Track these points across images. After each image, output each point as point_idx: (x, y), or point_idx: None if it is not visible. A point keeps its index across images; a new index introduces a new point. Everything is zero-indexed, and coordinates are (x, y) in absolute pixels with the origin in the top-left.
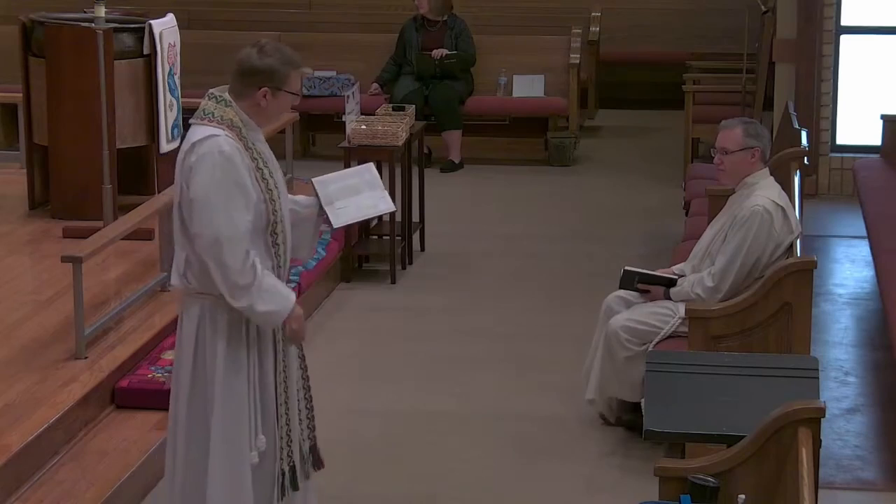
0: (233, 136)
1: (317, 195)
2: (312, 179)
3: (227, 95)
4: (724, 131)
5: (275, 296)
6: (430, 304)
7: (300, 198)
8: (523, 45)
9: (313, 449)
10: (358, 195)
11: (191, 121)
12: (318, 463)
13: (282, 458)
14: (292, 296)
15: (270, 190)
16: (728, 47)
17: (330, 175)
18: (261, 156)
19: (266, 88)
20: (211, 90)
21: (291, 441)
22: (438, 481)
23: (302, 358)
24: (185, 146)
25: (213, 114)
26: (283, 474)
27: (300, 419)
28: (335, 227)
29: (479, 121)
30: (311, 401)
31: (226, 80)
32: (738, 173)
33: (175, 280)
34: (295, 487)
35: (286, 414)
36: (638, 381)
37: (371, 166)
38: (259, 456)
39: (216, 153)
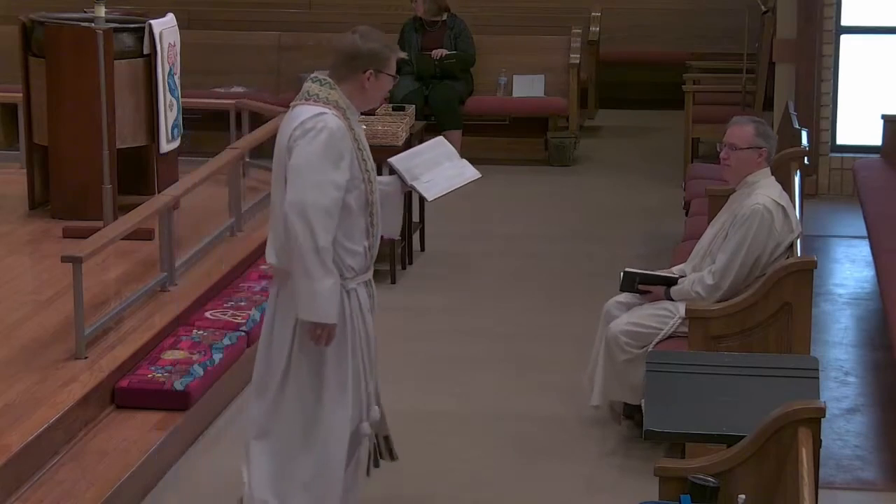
0: (339, 115)
1: (398, 174)
2: (388, 160)
3: (329, 79)
4: (735, 127)
5: (333, 296)
6: (430, 304)
7: (381, 178)
8: (523, 45)
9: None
10: (439, 167)
11: (293, 103)
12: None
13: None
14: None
15: (368, 171)
16: (728, 47)
17: (404, 153)
18: (358, 139)
19: (370, 71)
20: (314, 74)
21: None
22: (438, 481)
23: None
24: (293, 123)
25: (317, 95)
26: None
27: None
28: (430, 199)
29: (479, 121)
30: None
31: (226, 79)
32: (743, 171)
33: (272, 258)
34: (392, 456)
35: (376, 388)
36: (639, 383)
37: (442, 139)
38: (368, 427)
39: (323, 128)
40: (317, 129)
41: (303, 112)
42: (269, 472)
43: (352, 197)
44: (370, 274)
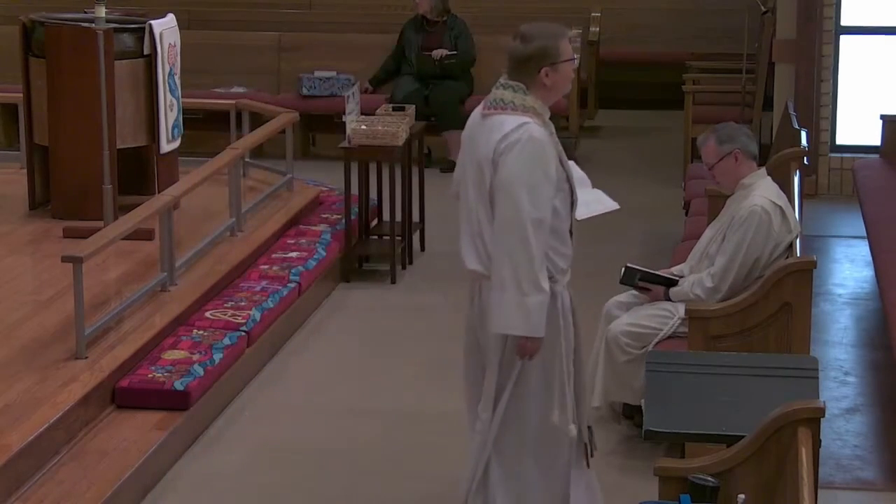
0: (539, 122)
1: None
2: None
3: (520, 83)
4: (702, 148)
5: (543, 310)
6: (430, 304)
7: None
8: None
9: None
10: (581, 189)
11: (484, 111)
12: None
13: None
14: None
15: (569, 175)
16: (728, 47)
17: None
18: (556, 141)
19: (545, 68)
20: (501, 80)
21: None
22: (438, 481)
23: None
24: (496, 134)
25: (513, 102)
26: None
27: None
28: (577, 219)
29: None
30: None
31: (226, 79)
32: (730, 178)
33: (475, 265)
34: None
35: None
36: (639, 384)
37: (575, 165)
38: (574, 429)
39: (529, 138)
40: (523, 140)
41: (505, 123)
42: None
43: (558, 200)
44: (569, 275)
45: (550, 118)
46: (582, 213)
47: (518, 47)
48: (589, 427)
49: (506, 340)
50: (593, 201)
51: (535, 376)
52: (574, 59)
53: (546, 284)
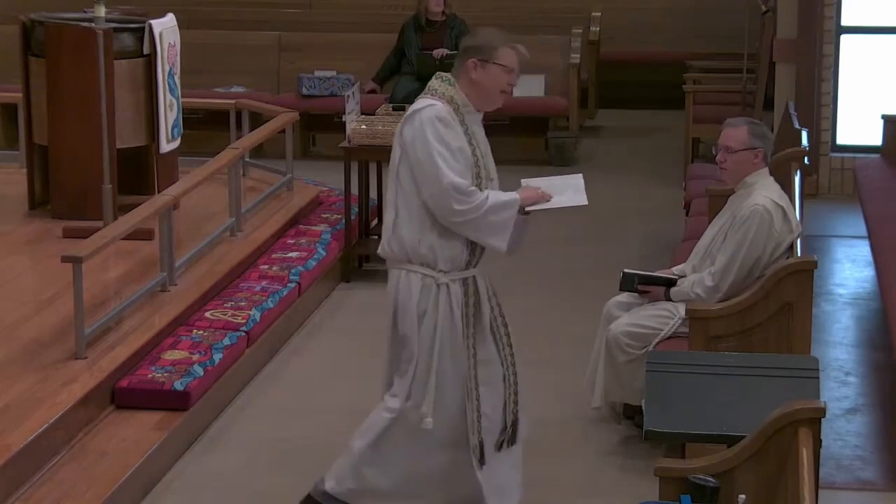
0: (450, 109)
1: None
2: (522, 180)
3: (451, 76)
4: (729, 129)
5: (501, 209)
6: None
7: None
8: (523, 45)
9: (514, 424)
10: (561, 195)
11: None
12: (512, 439)
13: (474, 432)
14: (511, 195)
15: (485, 168)
16: (729, 47)
17: (538, 178)
18: (474, 137)
19: (474, 59)
20: (442, 73)
21: (481, 416)
22: None
23: (508, 336)
24: (406, 115)
25: (435, 91)
26: (476, 446)
27: (508, 394)
28: (527, 210)
29: None
30: (516, 376)
31: (226, 79)
32: (740, 173)
33: (380, 249)
34: (482, 462)
35: (476, 389)
36: (640, 384)
37: (580, 176)
38: (430, 423)
39: (433, 117)
40: (427, 117)
41: (415, 104)
42: None
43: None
44: (471, 272)
45: (550, 118)
46: (543, 205)
47: (464, 40)
48: (514, 424)
49: (393, 317)
50: (564, 200)
51: (416, 354)
52: (512, 71)
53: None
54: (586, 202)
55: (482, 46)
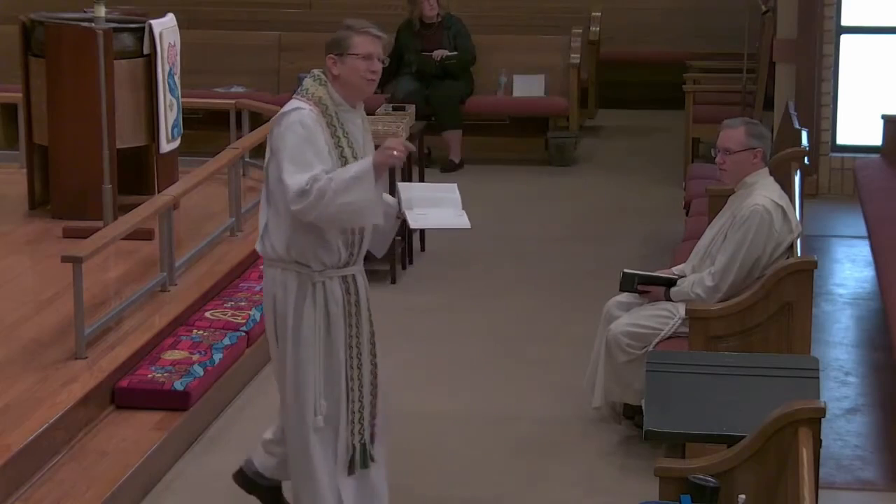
0: (317, 112)
1: (399, 198)
2: (398, 182)
3: (324, 75)
4: (727, 130)
5: (352, 185)
6: (430, 304)
7: (386, 196)
8: (523, 45)
9: (372, 437)
10: (438, 207)
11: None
12: (364, 462)
13: (352, 433)
14: (359, 166)
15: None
16: (729, 47)
17: (417, 184)
18: (346, 136)
19: (332, 56)
20: (315, 70)
21: (363, 418)
22: (438, 481)
23: (373, 344)
24: (275, 117)
25: (307, 90)
26: (354, 448)
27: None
28: (411, 226)
29: (480, 121)
30: (377, 395)
31: (226, 79)
32: (740, 173)
33: (257, 245)
34: (364, 465)
35: (359, 390)
36: (640, 384)
37: (455, 187)
38: (324, 420)
39: (295, 121)
40: (293, 122)
41: (286, 105)
42: None
43: None
44: (350, 270)
45: (550, 118)
46: (427, 222)
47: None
48: (363, 443)
49: (273, 315)
50: (447, 217)
51: (289, 353)
52: (369, 56)
53: (318, 181)
54: (469, 225)
55: (336, 41)
